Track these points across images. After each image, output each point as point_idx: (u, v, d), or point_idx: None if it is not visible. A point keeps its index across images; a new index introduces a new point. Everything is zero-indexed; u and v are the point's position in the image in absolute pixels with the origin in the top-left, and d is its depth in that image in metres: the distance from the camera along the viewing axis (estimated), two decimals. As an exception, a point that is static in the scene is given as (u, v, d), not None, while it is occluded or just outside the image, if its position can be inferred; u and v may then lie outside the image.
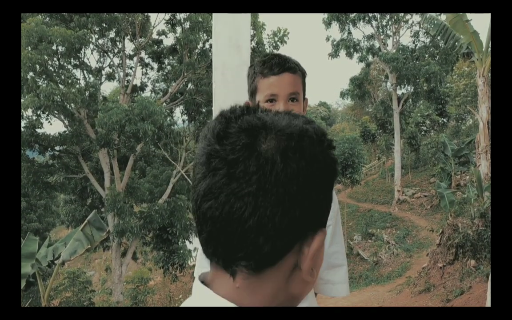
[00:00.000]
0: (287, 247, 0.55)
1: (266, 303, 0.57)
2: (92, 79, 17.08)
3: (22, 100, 13.79)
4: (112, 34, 17.48)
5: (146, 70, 19.18)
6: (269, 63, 1.39)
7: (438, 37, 12.75)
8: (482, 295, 6.13)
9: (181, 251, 17.01)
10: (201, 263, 1.66)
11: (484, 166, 10.08)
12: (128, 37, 17.50)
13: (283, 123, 0.56)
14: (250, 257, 0.54)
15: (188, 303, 0.61)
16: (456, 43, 10.85)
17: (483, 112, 10.32)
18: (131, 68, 18.33)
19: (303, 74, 1.43)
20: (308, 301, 1.37)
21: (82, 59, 16.68)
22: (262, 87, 1.40)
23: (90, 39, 15.93)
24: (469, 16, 10.56)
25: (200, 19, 15.73)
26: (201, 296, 0.59)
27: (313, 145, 0.56)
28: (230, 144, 0.54)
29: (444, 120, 25.17)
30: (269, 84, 1.39)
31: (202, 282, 0.61)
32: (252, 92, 1.43)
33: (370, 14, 21.87)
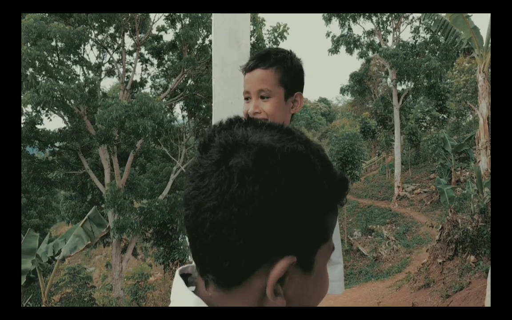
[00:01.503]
0: (249, 268, 0.53)
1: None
2: (91, 75, 17.05)
3: (21, 96, 13.77)
4: (111, 30, 17.45)
5: (146, 66, 19.16)
6: (249, 60, 1.40)
7: (439, 33, 12.72)
8: (482, 291, 6.15)
9: (181, 247, 17.04)
10: None
11: (484, 162, 10.09)
12: (128, 33, 17.47)
13: (252, 140, 0.54)
14: (215, 272, 0.55)
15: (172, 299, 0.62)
16: (457, 39, 10.84)
17: (483, 108, 10.32)
18: (130, 64, 18.31)
19: (284, 68, 1.36)
20: None
21: (82, 55, 16.65)
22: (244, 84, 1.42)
23: (90, 35, 15.90)
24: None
25: (200, 15, 15.70)
26: (179, 293, 0.60)
27: (276, 167, 0.52)
28: (206, 158, 0.55)
29: (444, 116, 25.14)
30: (245, 81, 1.40)
31: (182, 275, 0.63)
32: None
33: (370, 10, 21.83)
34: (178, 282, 0.61)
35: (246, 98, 1.40)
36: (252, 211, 0.51)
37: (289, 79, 1.37)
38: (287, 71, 1.37)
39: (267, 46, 16.89)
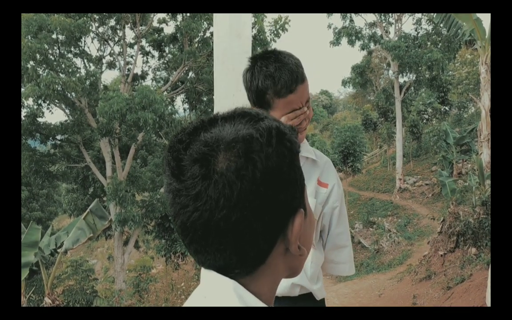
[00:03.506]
0: (271, 243, 0.59)
1: (268, 289, 0.61)
2: (92, 67, 17.02)
3: (22, 90, 13.76)
4: (112, 23, 17.38)
5: (147, 58, 19.09)
6: (281, 81, 1.36)
7: (441, 25, 12.64)
8: (483, 283, 6.15)
9: (183, 240, 17.09)
10: None
11: (486, 154, 10.04)
12: (129, 25, 17.39)
13: (229, 138, 0.55)
14: (242, 265, 0.58)
15: (201, 293, 0.62)
16: (459, 31, 10.76)
17: (485, 100, 10.25)
18: (131, 56, 18.25)
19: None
20: (320, 284, 1.41)
21: (83, 47, 16.60)
22: (280, 106, 1.39)
23: (90, 28, 15.84)
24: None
25: (201, 7, 15.60)
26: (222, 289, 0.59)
27: (262, 149, 0.56)
28: (189, 179, 0.55)
29: (446, 108, 25.05)
30: (288, 102, 1.38)
31: None
32: (262, 105, 1.41)
33: (372, 2, 21.65)
34: (220, 280, 0.60)
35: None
36: (261, 197, 0.55)
37: None
38: None
39: (269, 38, 16.83)
